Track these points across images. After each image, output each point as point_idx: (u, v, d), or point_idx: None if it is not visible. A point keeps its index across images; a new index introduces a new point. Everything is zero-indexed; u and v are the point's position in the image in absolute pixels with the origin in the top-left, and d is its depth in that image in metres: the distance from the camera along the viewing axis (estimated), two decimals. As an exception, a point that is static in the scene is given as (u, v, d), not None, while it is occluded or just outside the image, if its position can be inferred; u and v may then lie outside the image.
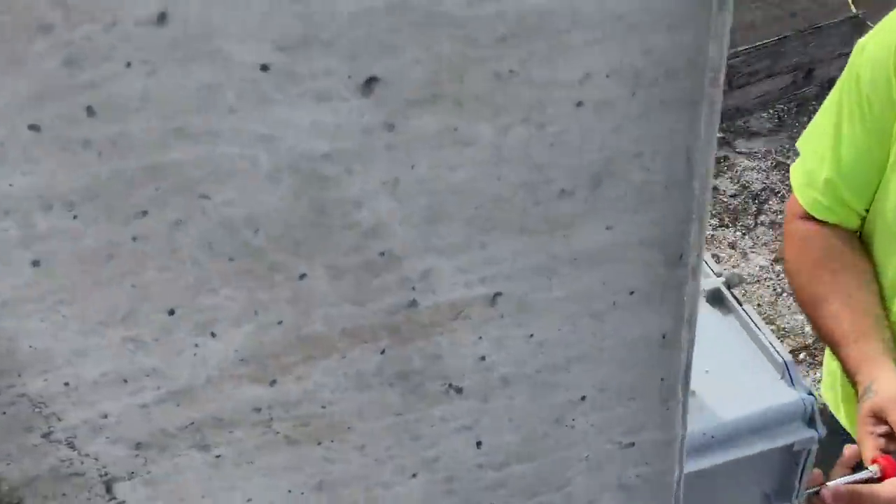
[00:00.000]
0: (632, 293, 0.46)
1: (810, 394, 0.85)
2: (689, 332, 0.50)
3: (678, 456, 0.57)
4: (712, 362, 0.89)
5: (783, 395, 0.85)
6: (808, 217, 1.08)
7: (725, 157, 3.05)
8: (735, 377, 0.89)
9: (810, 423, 0.85)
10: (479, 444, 0.53)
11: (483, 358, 0.47)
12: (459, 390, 0.48)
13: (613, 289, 0.46)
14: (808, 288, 1.05)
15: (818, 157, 1.05)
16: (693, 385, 0.89)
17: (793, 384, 0.85)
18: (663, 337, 0.49)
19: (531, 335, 0.47)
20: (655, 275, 0.46)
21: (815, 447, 0.84)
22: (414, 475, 0.52)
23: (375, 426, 0.48)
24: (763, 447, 0.85)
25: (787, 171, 1.18)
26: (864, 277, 1.04)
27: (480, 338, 0.46)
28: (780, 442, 0.84)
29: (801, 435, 0.84)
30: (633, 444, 0.55)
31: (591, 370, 0.50)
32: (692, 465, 0.85)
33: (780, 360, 0.87)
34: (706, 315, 1.03)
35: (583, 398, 0.51)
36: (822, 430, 0.84)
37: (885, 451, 0.87)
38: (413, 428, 0.49)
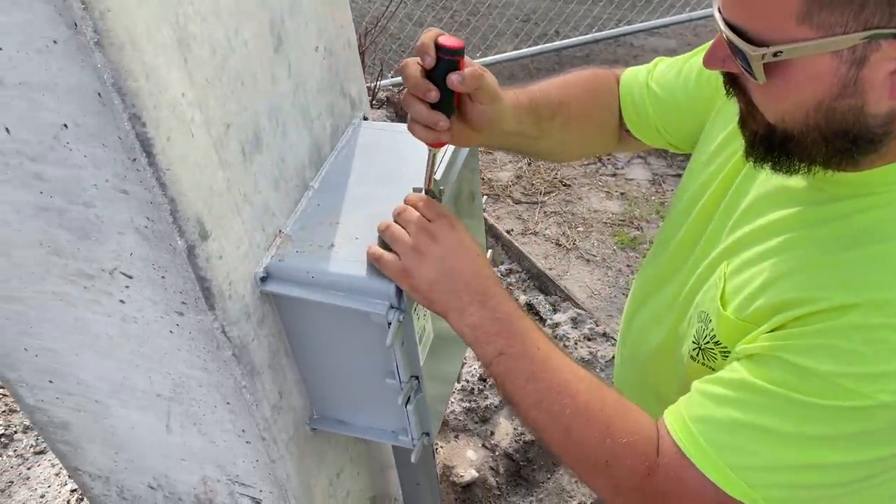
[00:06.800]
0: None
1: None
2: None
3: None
4: (372, 235, 0.98)
5: (382, 277, 0.94)
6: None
7: None
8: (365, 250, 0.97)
9: (391, 307, 0.94)
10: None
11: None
12: None
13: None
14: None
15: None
16: (338, 238, 1.00)
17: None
18: None
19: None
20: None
21: (394, 325, 0.94)
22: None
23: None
24: (347, 304, 0.95)
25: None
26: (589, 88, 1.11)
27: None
28: (361, 307, 0.95)
29: (377, 309, 0.94)
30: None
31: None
32: (294, 292, 0.98)
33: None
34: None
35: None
36: (402, 314, 0.95)
37: None
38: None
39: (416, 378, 1.05)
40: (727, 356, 0.86)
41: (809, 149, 0.74)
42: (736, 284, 0.84)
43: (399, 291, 0.93)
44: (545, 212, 3.24)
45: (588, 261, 2.98)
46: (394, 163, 1.13)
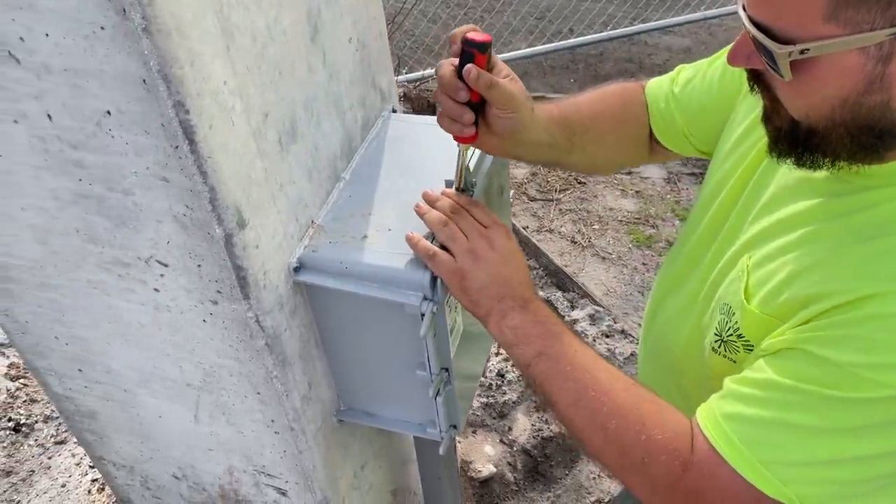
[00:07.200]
0: None
1: (435, 278, 0.94)
2: None
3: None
4: (404, 226, 0.99)
5: (417, 268, 0.95)
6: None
7: None
8: (401, 243, 0.97)
9: (426, 298, 0.94)
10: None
11: None
12: None
13: None
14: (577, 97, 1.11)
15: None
16: (371, 229, 1.00)
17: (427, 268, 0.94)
18: None
19: None
20: None
21: (428, 316, 0.94)
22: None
23: None
24: (382, 295, 0.95)
25: None
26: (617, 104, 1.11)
27: None
28: (395, 298, 0.95)
29: (411, 300, 0.94)
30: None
31: None
32: (328, 283, 0.98)
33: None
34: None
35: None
36: (436, 306, 0.95)
37: None
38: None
39: (447, 370, 1.05)
40: (750, 350, 0.85)
41: (834, 144, 0.73)
42: (759, 278, 0.84)
43: (433, 283, 0.93)
44: (560, 209, 3.23)
45: (604, 258, 2.97)
46: (423, 155, 1.13)
